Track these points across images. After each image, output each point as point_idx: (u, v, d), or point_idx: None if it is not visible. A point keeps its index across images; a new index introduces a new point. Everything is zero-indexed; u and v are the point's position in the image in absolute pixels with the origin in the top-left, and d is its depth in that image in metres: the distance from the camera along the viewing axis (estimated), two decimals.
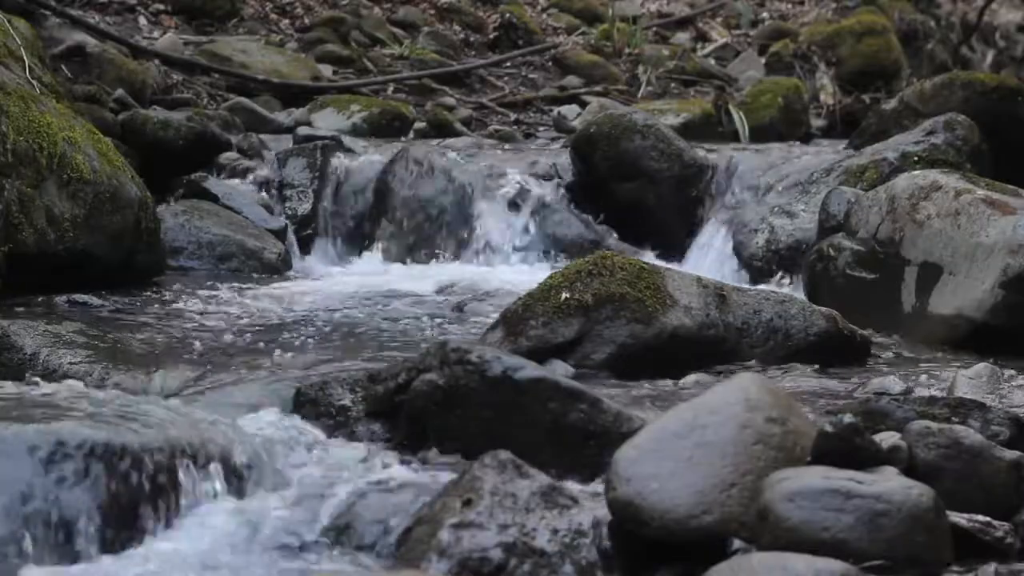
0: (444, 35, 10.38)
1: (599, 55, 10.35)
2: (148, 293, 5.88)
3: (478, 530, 3.06)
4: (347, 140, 7.71)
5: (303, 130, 7.91)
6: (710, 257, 6.89)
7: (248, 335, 5.20)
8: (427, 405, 3.65)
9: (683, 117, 8.77)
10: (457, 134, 8.55)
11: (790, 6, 12.00)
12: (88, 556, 3.20)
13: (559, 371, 4.34)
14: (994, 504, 3.25)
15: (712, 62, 10.72)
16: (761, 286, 5.94)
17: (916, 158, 6.66)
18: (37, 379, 4.28)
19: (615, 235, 7.13)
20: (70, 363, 4.53)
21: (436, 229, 7.13)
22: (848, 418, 3.22)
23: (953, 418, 3.51)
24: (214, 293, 5.95)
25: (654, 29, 11.25)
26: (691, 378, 4.59)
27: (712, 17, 11.64)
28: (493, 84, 9.86)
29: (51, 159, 5.82)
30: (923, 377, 4.64)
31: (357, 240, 7.23)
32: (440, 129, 8.63)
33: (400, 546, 3.19)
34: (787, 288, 6.04)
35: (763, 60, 10.68)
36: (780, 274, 6.54)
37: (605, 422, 3.58)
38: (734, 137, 8.82)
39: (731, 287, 5.04)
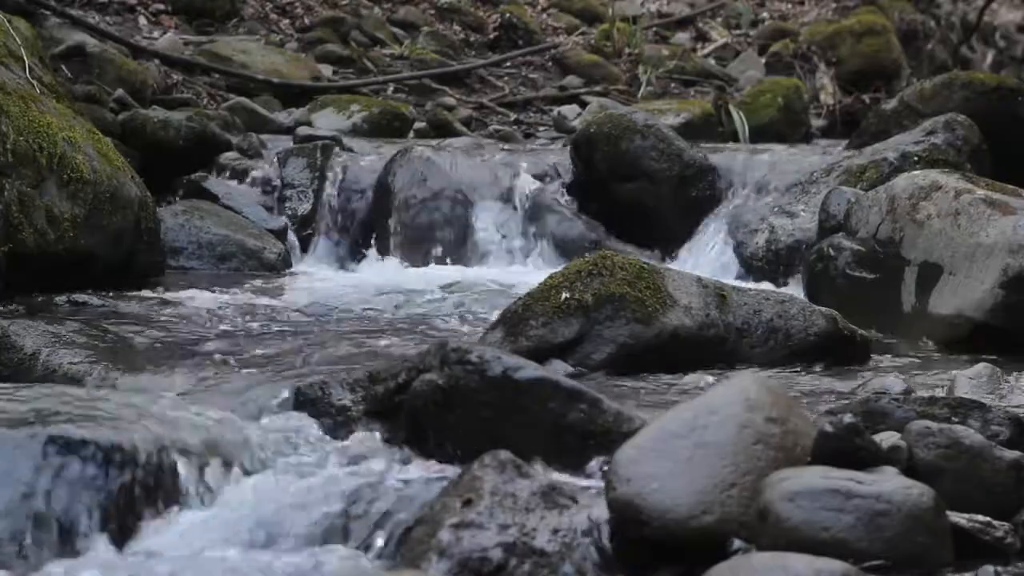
0: (444, 35, 10.39)
1: (599, 55, 10.35)
2: (148, 293, 5.88)
3: (478, 530, 3.06)
4: (347, 140, 7.72)
5: (303, 130, 7.91)
6: (710, 257, 6.89)
7: (248, 335, 5.20)
8: (427, 405, 3.65)
9: (683, 117, 8.77)
10: (457, 134, 8.55)
11: (790, 6, 12.00)
12: (89, 553, 3.20)
13: (559, 371, 4.34)
14: (994, 504, 3.25)
15: (712, 62, 10.73)
16: (761, 286, 5.94)
17: (916, 158, 6.66)
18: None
19: (615, 235, 7.12)
20: (70, 363, 4.53)
21: (436, 229, 7.13)
22: (848, 418, 3.22)
23: (953, 418, 3.51)
24: (214, 293, 5.95)
25: (654, 29, 11.25)
26: (691, 378, 4.59)
27: (712, 17, 11.64)
28: (493, 84, 9.86)
29: (51, 159, 5.82)
30: (923, 377, 4.64)
31: (357, 240, 7.23)
32: (440, 129, 8.63)
33: (400, 546, 3.19)
34: (787, 288, 6.04)
35: (763, 60, 10.68)
36: (780, 274, 6.55)
37: (605, 422, 3.58)
38: (734, 137, 8.83)
39: (731, 287, 5.05)
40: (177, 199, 7.05)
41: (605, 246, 6.82)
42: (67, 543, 3.21)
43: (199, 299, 5.80)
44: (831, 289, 5.73)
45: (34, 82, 6.22)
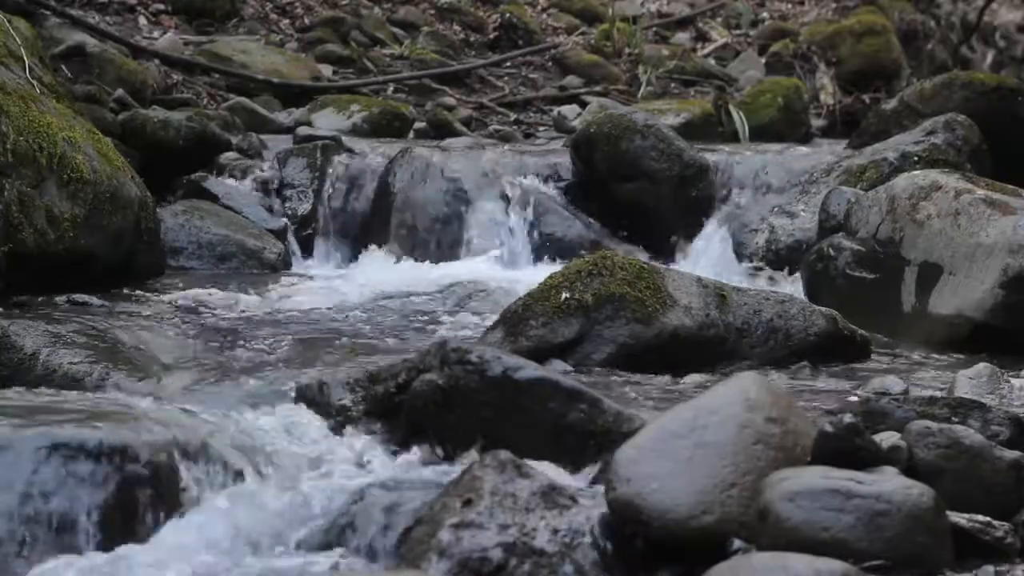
0: (444, 35, 10.39)
1: (599, 55, 10.34)
2: (148, 293, 5.88)
3: (478, 530, 3.06)
4: (347, 140, 7.71)
5: (303, 130, 7.91)
6: (710, 257, 6.89)
7: (248, 335, 5.20)
8: (427, 405, 3.65)
9: (683, 117, 8.77)
10: (457, 134, 8.55)
11: (790, 6, 12.00)
12: (88, 553, 3.20)
13: (559, 371, 4.34)
14: (994, 504, 3.25)
15: (712, 62, 10.72)
16: (761, 286, 5.94)
17: (916, 158, 6.66)
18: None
19: (615, 235, 7.12)
20: (70, 363, 4.52)
21: (436, 229, 7.13)
22: (848, 418, 3.22)
23: (953, 418, 3.51)
24: (214, 293, 5.95)
25: (654, 29, 11.25)
26: (691, 378, 4.59)
27: (712, 17, 11.64)
28: (493, 84, 9.86)
29: (51, 159, 5.82)
30: (923, 377, 4.64)
31: (357, 240, 7.23)
32: (440, 129, 8.63)
33: (400, 546, 3.19)
34: (787, 288, 6.04)
35: (763, 60, 10.68)
36: (780, 274, 6.55)
37: (605, 422, 3.58)
38: (734, 137, 8.82)
39: (731, 287, 5.05)
40: (177, 199, 7.04)
41: (605, 246, 6.82)
42: (66, 543, 3.21)
43: (199, 299, 5.80)
44: (831, 289, 5.73)
45: (34, 82, 6.22)
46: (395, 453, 3.66)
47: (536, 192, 7.24)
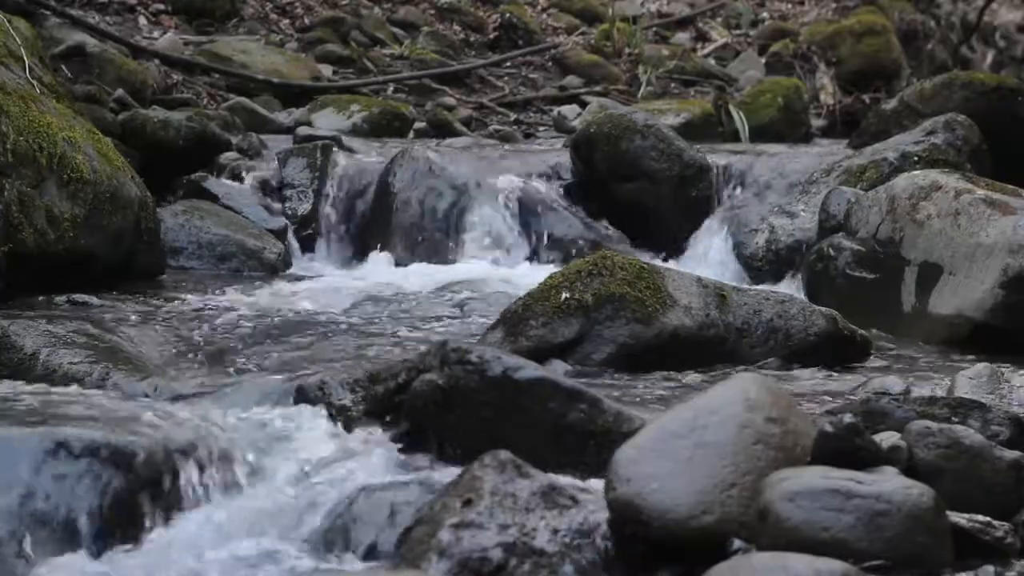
0: (444, 35, 10.39)
1: (599, 55, 10.35)
2: (148, 293, 5.87)
3: (478, 530, 3.06)
4: (347, 140, 7.71)
5: (303, 130, 7.91)
6: (710, 257, 6.89)
7: (248, 335, 5.20)
8: (427, 405, 3.65)
9: (683, 117, 8.77)
10: (457, 134, 8.55)
11: (790, 6, 12.00)
12: (88, 553, 3.20)
13: (559, 371, 4.34)
14: (994, 504, 3.25)
15: (712, 62, 10.73)
16: (761, 286, 5.94)
17: (916, 158, 6.66)
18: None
19: (615, 235, 7.12)
20: (70, 363, 4.52)
21: (436, 229, 7.13)
22: (848, 418, 3.22)
23: (953, 418, 3.51)
24: (214, 293, 5.95)
25: (654, 29, 11.25)
26: (691, 378, 4.59)
27: (712, 17, 11.64)
28: (493, 84, 9.86)
29: (51, 159, 5.82)
30: (923, 377, 4.64)
31: (357, 240, 7.23)
32: (440, 129, 8.63)
33: (400, 546, 3.19)
34: (787, 288, 6.04)
35: (763, 60, 10.68)
36: (780, 274, 6.55)
37: (605, 422, 3.58)
38: (734, 137, 8.82)
39: (731, 287, 5.05)
40: (177, 199, 7.04)
41: (605, 246, 6.82)
42: (67, 544, 3.21)
43: (199, 299, 5.80)
44: (831, 289, 5.73)
45: (34, 82, 6.22)
46: (395, 453, 3.66)
47: (536, 192, 7.24)
